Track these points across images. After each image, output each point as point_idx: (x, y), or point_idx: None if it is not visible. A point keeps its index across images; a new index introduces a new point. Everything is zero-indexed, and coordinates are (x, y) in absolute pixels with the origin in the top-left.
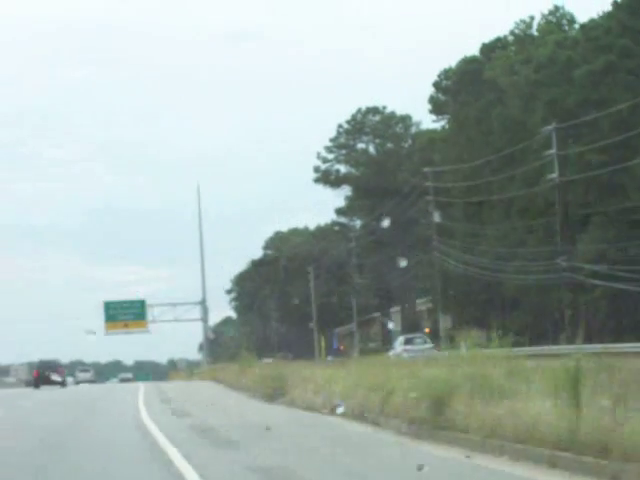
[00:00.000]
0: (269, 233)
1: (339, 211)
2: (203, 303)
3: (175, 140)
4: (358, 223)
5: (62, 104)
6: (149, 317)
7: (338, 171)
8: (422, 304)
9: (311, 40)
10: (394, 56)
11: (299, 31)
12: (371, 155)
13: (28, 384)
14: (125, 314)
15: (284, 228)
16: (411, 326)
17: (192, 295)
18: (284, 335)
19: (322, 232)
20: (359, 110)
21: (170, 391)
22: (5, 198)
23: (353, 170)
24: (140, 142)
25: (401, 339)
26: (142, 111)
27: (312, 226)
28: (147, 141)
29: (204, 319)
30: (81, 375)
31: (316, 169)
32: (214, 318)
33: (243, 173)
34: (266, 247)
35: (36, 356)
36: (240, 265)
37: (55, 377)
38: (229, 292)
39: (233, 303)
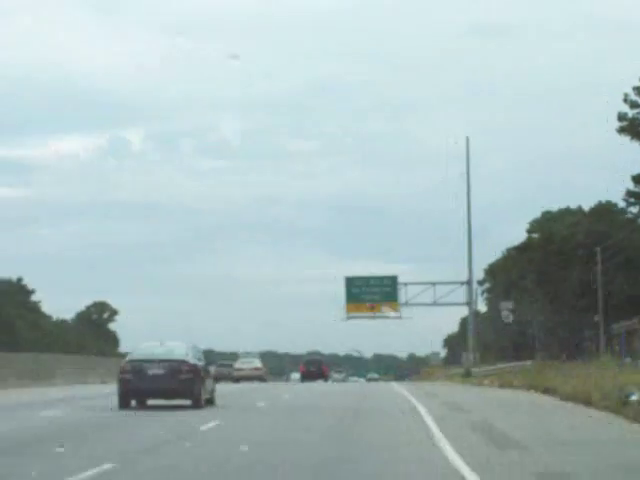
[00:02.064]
0: (535, 215)
1: (638, 178)
2: (470, 283)
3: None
4: None
5: (306, 97)
6: (401, 299)
7: None
8: None
9: None
10: None
11: None
12: None
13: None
14: (372, 293)
15: (553, 208)
16: None
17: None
18: (550, 331)
19: (604, 211)
20: None
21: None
22: (246, 191)
23: None
24: (388, 134)
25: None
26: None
27: (587, 206)
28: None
29: (471, 302)
30: (335, 375)
31: (621, 116)
32: (461, 311)
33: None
34: (531, 230)
35: (274, 346)
36: (494, 255)
37: (318, 373)
38: (481, 283)
39: (485, 295)
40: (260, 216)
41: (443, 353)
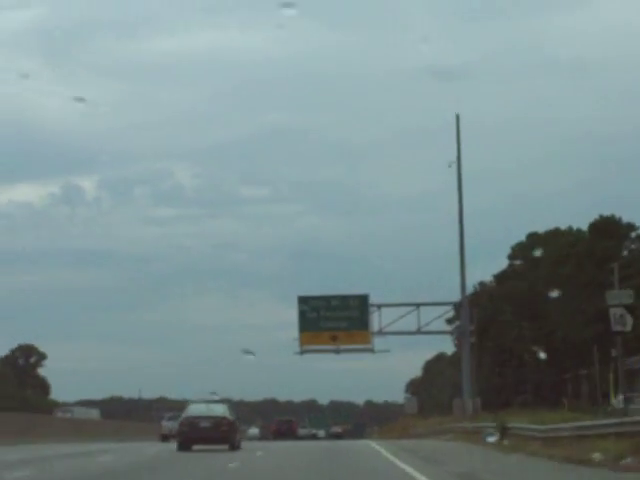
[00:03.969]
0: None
1: None
2: (462, 304)
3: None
4: None
5: (259, 144)
6: (374, 326)
7: None
8: None
9: None
10: None
11: None
12: None
13: (263, 437)
14: (334, 319)
15: (540, 229)
16: None
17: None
18: (541, 373)
19: (606, 226)
20: None
21: None
22: (200, 238)
23: None
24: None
25: (621, 397)
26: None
27: (581, 224)
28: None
29: (463, 328)
30: (302, 431)
31: None
32: (425, 354)
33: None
34: (513, 256)
35: (228, 393)
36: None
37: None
38: (450, 321)
39: (456, 334)
40: (214, 263)
41: (405, 399)
